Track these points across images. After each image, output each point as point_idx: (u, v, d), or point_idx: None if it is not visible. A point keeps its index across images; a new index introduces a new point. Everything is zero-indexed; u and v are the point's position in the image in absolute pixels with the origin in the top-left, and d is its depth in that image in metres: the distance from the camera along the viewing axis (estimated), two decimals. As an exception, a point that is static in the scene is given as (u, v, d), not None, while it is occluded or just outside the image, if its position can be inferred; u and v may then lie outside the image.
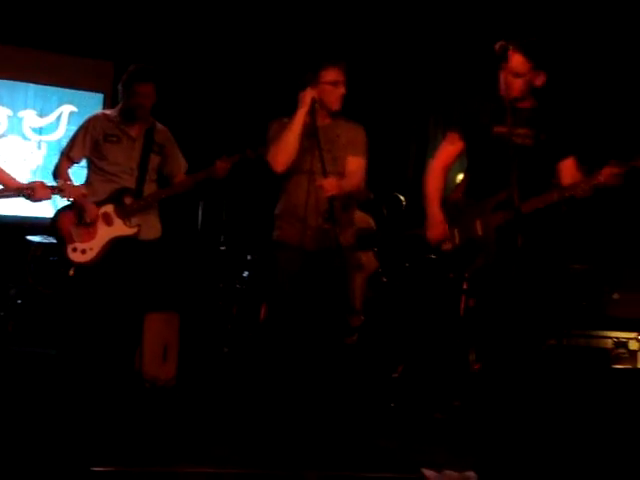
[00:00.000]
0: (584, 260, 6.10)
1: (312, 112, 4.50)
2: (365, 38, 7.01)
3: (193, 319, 6.21)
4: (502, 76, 4.04)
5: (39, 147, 7.12)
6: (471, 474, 3.75)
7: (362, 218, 6.43)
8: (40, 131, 7.15)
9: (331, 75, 4.59)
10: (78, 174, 5.35)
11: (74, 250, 5.08)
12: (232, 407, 5.10)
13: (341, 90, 4.61)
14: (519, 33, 4.05)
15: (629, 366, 5.80)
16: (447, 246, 4.24)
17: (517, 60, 4.03)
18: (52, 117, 7.12)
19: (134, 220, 5.14)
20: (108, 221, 5.11)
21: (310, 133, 4.52)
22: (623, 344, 5.86)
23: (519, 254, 3.77)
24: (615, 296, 6.02)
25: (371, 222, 6.32)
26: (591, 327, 5.98)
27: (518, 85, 4.07)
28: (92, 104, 6.12)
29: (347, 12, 6.92)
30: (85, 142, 5.19)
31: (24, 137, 7.15)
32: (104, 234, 5.10)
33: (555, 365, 5.51)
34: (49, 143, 6.95)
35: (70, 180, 5.13)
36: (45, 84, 7.06)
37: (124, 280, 5.14)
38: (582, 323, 5.99)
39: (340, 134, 4.66)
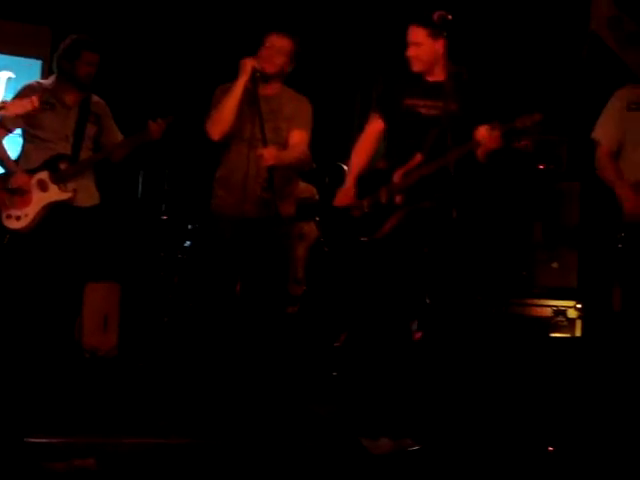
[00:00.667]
0: (523, 231, 6.15)
1: (253, 80, 4.46)
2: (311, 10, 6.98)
3: (134, 289, 6.15)
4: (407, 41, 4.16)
5: (-23, 114, 6.97)
6: (408, 441, 3.77)
7: (305, 188, 6.43)
8: (-21, 99, 6.99)
9: (272, 41, 4.57)
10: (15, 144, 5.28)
11: (8, 217, 5.02)
12: (173, 377, 5.07)
13: (280, 57, 4.58)
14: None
15: (568, 334, 5.88)
16: (356, 212, 4.37)
17: (412, 31, 4.17)
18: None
19: (70, 185, 5.08)
20: (43, 187, 5.05)
21: (252, 102, 4.48)
22: (562, 312, 5.93)
23: (424, 219, 3.90)
24: (554, 265, 6.09)
25: (314, 192, 6.32)
26: (530, 296, 6.06)
27: (418, 56, 4.19)
28: (30, 70, 6.00)
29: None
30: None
31: (-39, 104, 6.96)
32: (39, 200, 5.03)
33: (495, 334, 5.57)
34: (-14, 110, 6.80)
35: (5, 151, 5.12)
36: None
37: (61, 247, 5.09)
38: (521, 292, 6.06)
39: (283, 105, 4.64)
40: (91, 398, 4.60)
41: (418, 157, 4.16)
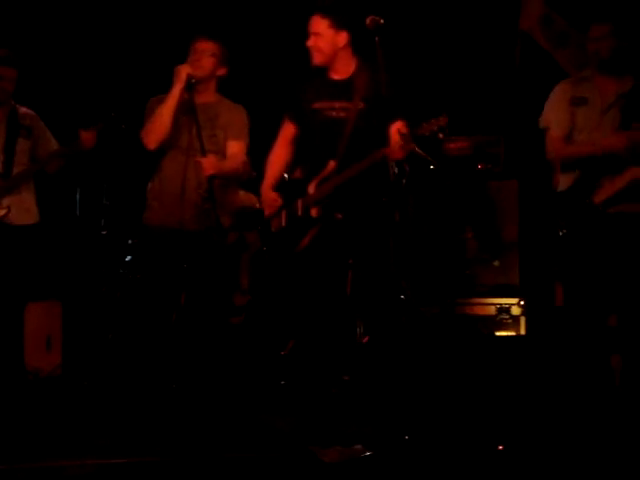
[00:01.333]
0: (465, 229, 6.19)
1: (189, 87, 4.43)
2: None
3: (76, 306, 6.05)
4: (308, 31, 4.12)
5: None
6: (359, 447, 3.76)
7: (246, 197, 6.39)
8: None
9: (197, 46, 4.55)
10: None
11: (-57, 238, 4.94)
12: (117, 395, 4.98)
13: (207, 60, 4.54)
14: None
15: (513, 332, 5.92)
16: (275, 225, 4.39)
17: (312, 20, 4.13)
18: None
19: (4, 202, 5.01)
20: None
21: (187, 110, 4.45)
22: (506, 310, 5.97)
23: (342, 226, 3.95)
24: (495, 263, 6.14)
25: (255, 201, 6.27)
26: (473, 295, 6.10)
27: (317, 46, 4.14)
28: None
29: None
30: None
31: None
32: None
33: (439, 334, 5.58)
34: None
35: None
36: None
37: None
38: (464, 291, 6.09)
39: (219, 113, 4.62)
40: (32, 420, 4.50)
41: (331, 165, 4.13)
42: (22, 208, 5.11)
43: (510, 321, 5.96)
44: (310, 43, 4.17)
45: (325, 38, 4.13)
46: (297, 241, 4.26)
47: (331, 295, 4.26)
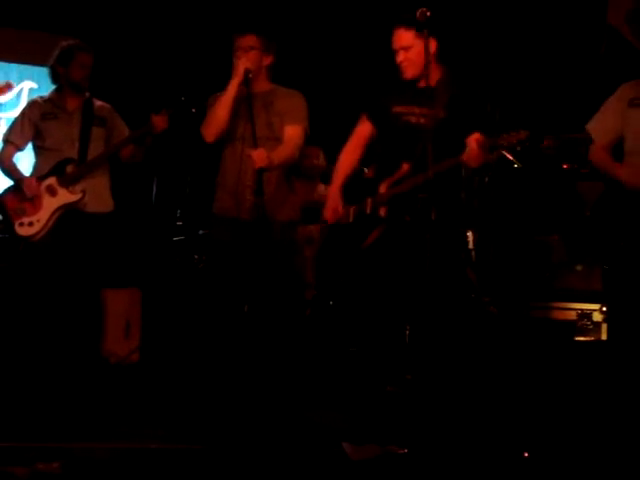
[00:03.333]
0: (547, 231, 6.02)
1: (246, 82, 4.46)
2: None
3: (153, 295, 6.17)
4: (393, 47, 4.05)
5: (-1, 124, 7.11)
6: (393, 447, 3.69)
7: (322, 191, 6.37)
8: (0, 108, 7.12)
9: (238, 43, 4.57)
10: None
11: (21, 225, 5.12)
12: (183, 382, 5.05)
13: (251, 54, 4.55)
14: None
15: (593, 338, 5.73)
16: (342, 221, 4.37)
17: (398, 35, 4.06)
18: (12, 93, 7.05)
19: (78, 187, 5.15)
20: (52, 192, 5.13)
21: (244, 102, 4.47)
22: (587, 315, 5.78)
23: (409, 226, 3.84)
24: (578, 267, 5.94)
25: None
26: (554, 299, 5.92)
27: (409, 59, 4.08)
28: (52, 80, 6.02)
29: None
30: (24, 128, 5.25)
31: (-17, 115, 7.13)
32: (49, 205, 5.12)
33: (519, 337, 5.46)
34: (9, 120, 6.83)
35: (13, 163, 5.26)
36: (4, 60, 7.01)
37: (75, 255, 5.16)
38: (545, 295, 5.93)
39: (275, 100, 4.62)
40: (110, 403, 4.61)
41: (405, 167, 4.09)
42: (96, 195, 5.23)
43: (591, 327, 5.76)
44: (400, 58, 4.11)
45: (415, 50, 4.06)
46: (363, 238, 4.24)
47: (393, 293, 4.19)
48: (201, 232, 5.72)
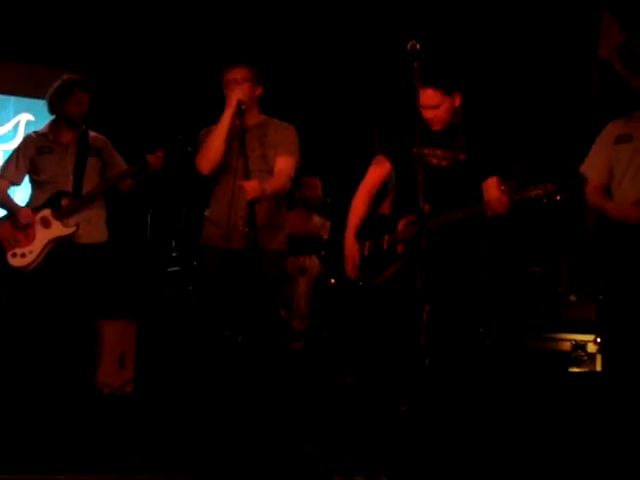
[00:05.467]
0: (540, 262, 6.04)
1: (239, 113, 4.47)
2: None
3: (147, 326, 6.16)
4: (420, 107, 4.03)
5: (-4, 156, 7.14)
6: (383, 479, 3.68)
7: (320, 222, 6.41)
8: (-3, 140, 7.17)
9: (235, 73, 4.59)
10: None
11: (14, 255, 5.14)
12: (169, 413, 5.03)
13: (243, 86, 4.56)
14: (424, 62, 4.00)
15: (587, 369, 5.72)
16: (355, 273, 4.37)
17: (427, 95, 4.09)
18: (9, 126, 7.10)
19: (72, 220, 5.18)
20: (46, 224, 5.16)
21: (238, 134, 4.48)
22: (581, 346, 5.79)
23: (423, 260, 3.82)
24: (572, 298, 5.96)
25: (328, 227, 6.26)
26: (548, 329, 5.93)
27: (438, 116, 4.16)
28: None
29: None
30: (19, 164, 5.30)
31: (-20, 147, 7.17)
32: (42, 237, 5.14)
33: (513, 368, 5.45)
34: (6, 152, 6.88)
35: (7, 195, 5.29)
36: (1, 93, 7.04)
37: (67, 285, 5.16)
38: (539, 325, 5.94)
39: (268, 132, 4.65)
40: (101, 435, 4.58)
41: (425, 208, 4.09)
42: (91, 227, 5.25)
43: (585, 358, 5.77)
44: (428, 115, 4.17)
45: (443, 107, 4.16)
46: (378, 273, 4.27)
47: (403, 331, 4.19)
48: (195, 263, 5.72)
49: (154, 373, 5.87)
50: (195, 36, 6.96)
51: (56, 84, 5.24)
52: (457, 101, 4.20)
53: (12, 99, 7.12)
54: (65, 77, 5.26)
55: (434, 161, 4.21)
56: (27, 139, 5.41)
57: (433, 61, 4.04)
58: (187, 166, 4.80)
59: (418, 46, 3.69)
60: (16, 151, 5.36)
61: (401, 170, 4.39)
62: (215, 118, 4.58)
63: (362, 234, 4.40)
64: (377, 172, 4.46)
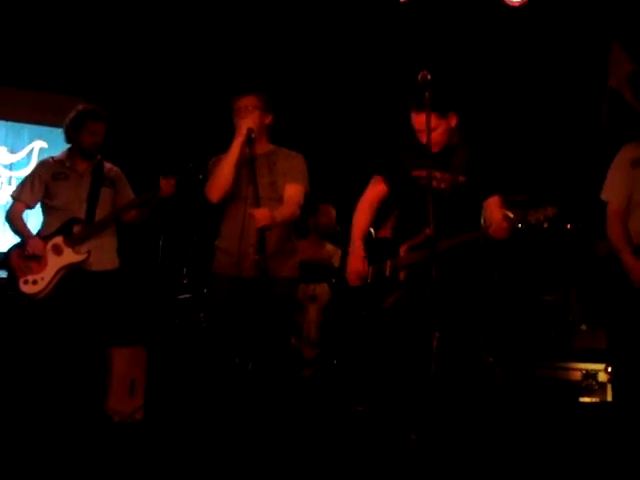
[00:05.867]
0: (551, 291, 6.03)
1: (249, 141, 4.50)
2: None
3: (160, 353, 6.17)
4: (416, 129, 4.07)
5: (9, 183, 7.19)
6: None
7: (330, 250, 6.42)
8: (11, 167, 7.22)
9: (246, 102, 4.63)
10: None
11: (25, 282, 5.14)
12: (194, 443, 5.03)
13: (253, 114, 4.60)
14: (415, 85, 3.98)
15: (598, 399, 5.69)
16: (356, 282, 4.36)
17: (421, 119, 4.05)
18: (23, 153, 7.19)
19: (83, 247, 5.20)
20: (58, 251, 5.17)
21: (247, 162, 4.50)
22: (592, 376, 5.75)
23: (433, 287, 3.81)
24: (582, 327, 5.94)
25: (339, 255, 6.28)
26: (559, 359, 5.91)
27: (434, 139, 4.11)
28: (63, 140, 6.13)
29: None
30: (34, 187, 5.31)
31: (-6, 173, 7.26)
32: (54, 264, 5.16)
33: (523, 397, 5.42)
34: (19, 179, 6.95)
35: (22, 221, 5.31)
36: (16, 121, 7.14)
37: (78, 312, 5.16)
38: (550, 354, 5.91)
39: (277, 161, 4.67)
40: (112, 462, 4.58)
41: (427, 232, 4.05)
42: (102, 254, 5.27)
43: (596, 387, 5.73)
44: (425, 138, 4.09)
45: (439, 130, 4.15)
46: (381, 299, 4.27)
47: (412, 359, 4.18)
48: (206, 291, 5.74)
49: (164, 400, 5.86)
50: (207, 66, 7.02)
51: (71, 115, 5.28)
52: (453, 122, 4.18)
53: (26, 127, 7.23)
54: (79, 107, 5.30)
55: (433, 184, 4.15)
56: (43, 164, 5.42)
57: (424, 87, 3.99)
58: (198, 194, 4.83)
59: (429, 77, 3.72)
60: (32, 175, 5.37)
61: (400, 193, 4.37)
62: (226, 146, 4.61)
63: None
64: (375, 190, 4.47)
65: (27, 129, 7.21)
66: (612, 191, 4.55)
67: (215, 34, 6.94)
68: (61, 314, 5.15)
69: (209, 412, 4.81)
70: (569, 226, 6.01)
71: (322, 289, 5.83)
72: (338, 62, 7.09)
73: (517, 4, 6.01)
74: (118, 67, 7.02)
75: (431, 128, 4.04)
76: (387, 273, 4.26)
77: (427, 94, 3.77)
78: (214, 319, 4.74)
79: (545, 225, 3.88)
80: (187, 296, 6.09)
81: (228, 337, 4.61)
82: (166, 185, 5.11)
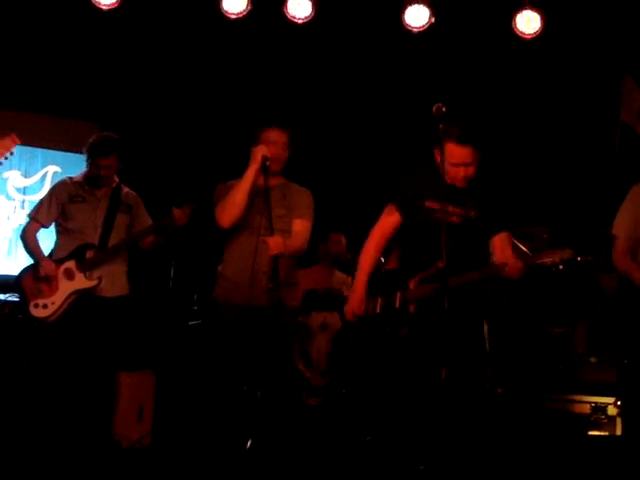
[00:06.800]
0: (560, 323, 6.02)
1: (263, 169, 4.54)
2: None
3: (169, 378, 6.17)
4: (442, 161, 3.97)
5: (22, 206, 7.24)
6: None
7: (340, 278, 6.43)
8: (24, 191, 7.27)
9: (273, 135, 4.68)
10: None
11: (36, 306, 5.16)
12: (202, 469, 5.02)
13: (279, 151, 4.67)
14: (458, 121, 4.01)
15: (607, 432, 5.65)
16: (369, 312, 4.34)
17: (463, 153, 4.06)
18: (36, 177, 7.25)
19: (95, 273, 5.22)
20: (69, 276, 5.20)
21: (259, 191, 4.55)
22: (601, 409, 5.72)
23: (445, 319, 3.81)
24: (592, 360, 5.92)
25: (349, 283, 6.27)
26: (568, 391, 5.88)
27: (469, 174, 4.13)
28: (76, 165, 6.15)
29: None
30: (51, 207, 5.33)
31: (8, 197, 7.29)
32: (65, 288, 5.18)
33: (531, 429, 5.40)
34: (32, 202, 7.01)
35: (36, 242, 5.32)
36: (30, 145, 7.16)
37: (89, 336, 5.18)
38: (559, 387, 5.89)
39: (287, 195, 4.74)
40: None
41: (438, 265, 4.00)
42: (113, 280, 5.30)
43: (605, 421, 5.70)
44: (461, 174, 4.13)
45: (475, 165, 4.13)
46: (390, 331, 4.26)
47: (419, 390, 4.17)
48: (208, 318, 5.76)
49: (172, 426, 5.86)
50: (225, 96, 7.07)
51: (86, 145, 5.31)
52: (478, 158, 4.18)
53: (40, 151, 7.29)
54: (91, 140, 5.31)
55: (444, 217, 4.09)
56: (61, 184, 5.42)
57: (469, 120, 4.05)
58: (212, 222, 4.85)
59: (444, 109, 3.74)
60: (49, 195, 5.38)
61: (410, 223, 4.35)
62: (239, 175, 4.65)
63: (373, 289, 4.37)
64: (389, 220, 4.43)
65: (41, 153, 7.28)
66: (622, 228, 4.63)
67: (231, 66, 7.00)
68: (70, 338, 5.17)
69: (217, 438, 4.82)
70: (579, 258, 6.00)
71: (333, 318, 5.82)
72: (352, 88, 7.13)
73: (529, 37, 6.05)
74: (135, 93, 7.08)
75: (469, 162, 4.08)
76: (397, 305, 4.26)
77: (441, 126, 3.79)
78: (218, 346, 4.74)
79: (560, 267, 3.90)
80: (197, 322, 6.10)
81: (236, 364, 4.61)
82: (180, 214, 5.14)
